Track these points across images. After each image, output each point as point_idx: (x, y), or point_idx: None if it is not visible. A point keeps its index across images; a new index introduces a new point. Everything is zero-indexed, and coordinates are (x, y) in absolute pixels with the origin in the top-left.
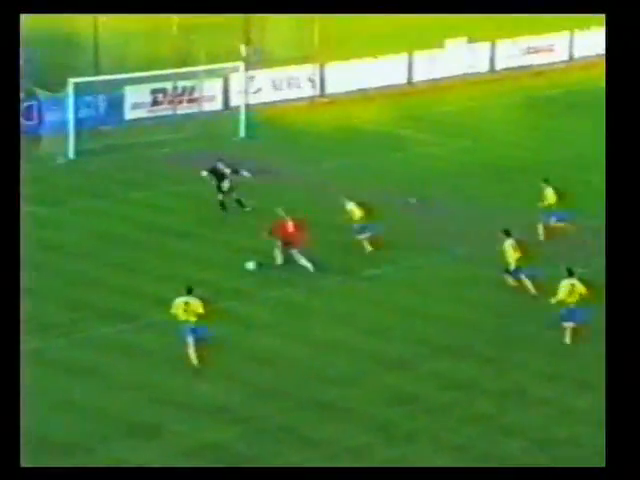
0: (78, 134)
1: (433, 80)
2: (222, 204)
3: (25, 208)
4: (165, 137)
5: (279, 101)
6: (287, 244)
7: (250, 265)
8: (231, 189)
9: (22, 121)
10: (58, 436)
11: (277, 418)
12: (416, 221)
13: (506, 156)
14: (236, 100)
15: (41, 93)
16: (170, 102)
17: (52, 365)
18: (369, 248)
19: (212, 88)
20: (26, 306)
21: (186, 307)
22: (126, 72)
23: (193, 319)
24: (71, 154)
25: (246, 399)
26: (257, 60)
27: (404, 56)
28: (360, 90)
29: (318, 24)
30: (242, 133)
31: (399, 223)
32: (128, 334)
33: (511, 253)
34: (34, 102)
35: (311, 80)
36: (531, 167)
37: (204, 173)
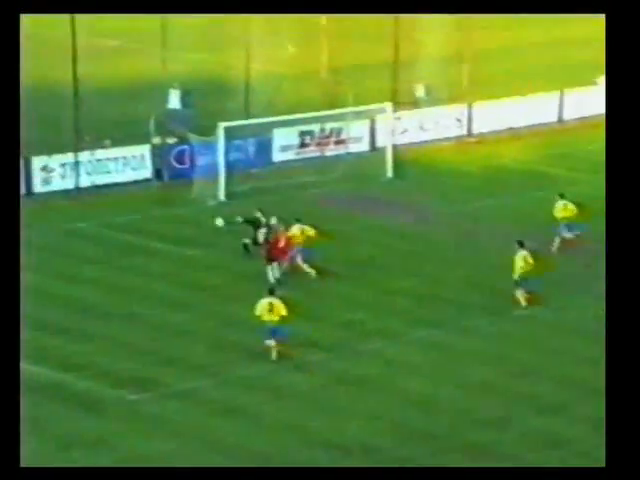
0: (228, 177)
1: (584, 118)
2: (245, 246)
3: (176, 249)
4: (313, 178)
5: (426, 141)
6: (271, 260)
7: (219, 222)
8: (262, 240)
9: (175, 165)
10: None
11: (429, 460)
12: (565, 261)
13: None
14: (382, 141)
15: (193, 138)
16: (317, 144)
17: (202, 405)
18: (308, 269)
19: (359, 129)
20: (178, 347)
21: (270, 308)
22: (274, 115)
23: (276, 319)
24: (222, 196)
25: (397, 440)
26: (431, 99)
27: (555, 94)
28: (509, 129)
29: (467, 64)
30: (389, 173)
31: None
32: (277, 375)
33: (520, 264)
34: (186, 147)
35: (459, 120)
36: None
37: (239, 219)
